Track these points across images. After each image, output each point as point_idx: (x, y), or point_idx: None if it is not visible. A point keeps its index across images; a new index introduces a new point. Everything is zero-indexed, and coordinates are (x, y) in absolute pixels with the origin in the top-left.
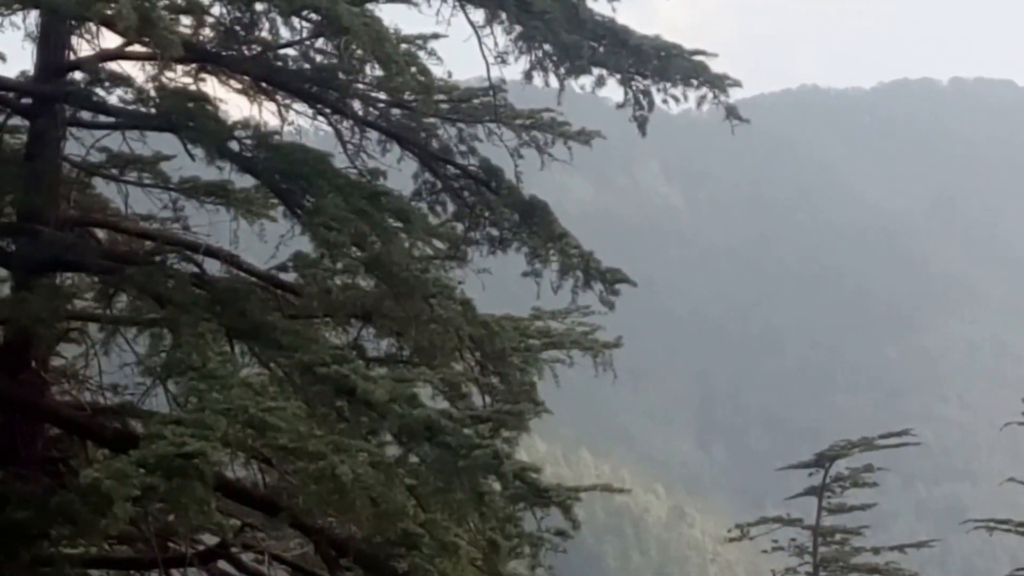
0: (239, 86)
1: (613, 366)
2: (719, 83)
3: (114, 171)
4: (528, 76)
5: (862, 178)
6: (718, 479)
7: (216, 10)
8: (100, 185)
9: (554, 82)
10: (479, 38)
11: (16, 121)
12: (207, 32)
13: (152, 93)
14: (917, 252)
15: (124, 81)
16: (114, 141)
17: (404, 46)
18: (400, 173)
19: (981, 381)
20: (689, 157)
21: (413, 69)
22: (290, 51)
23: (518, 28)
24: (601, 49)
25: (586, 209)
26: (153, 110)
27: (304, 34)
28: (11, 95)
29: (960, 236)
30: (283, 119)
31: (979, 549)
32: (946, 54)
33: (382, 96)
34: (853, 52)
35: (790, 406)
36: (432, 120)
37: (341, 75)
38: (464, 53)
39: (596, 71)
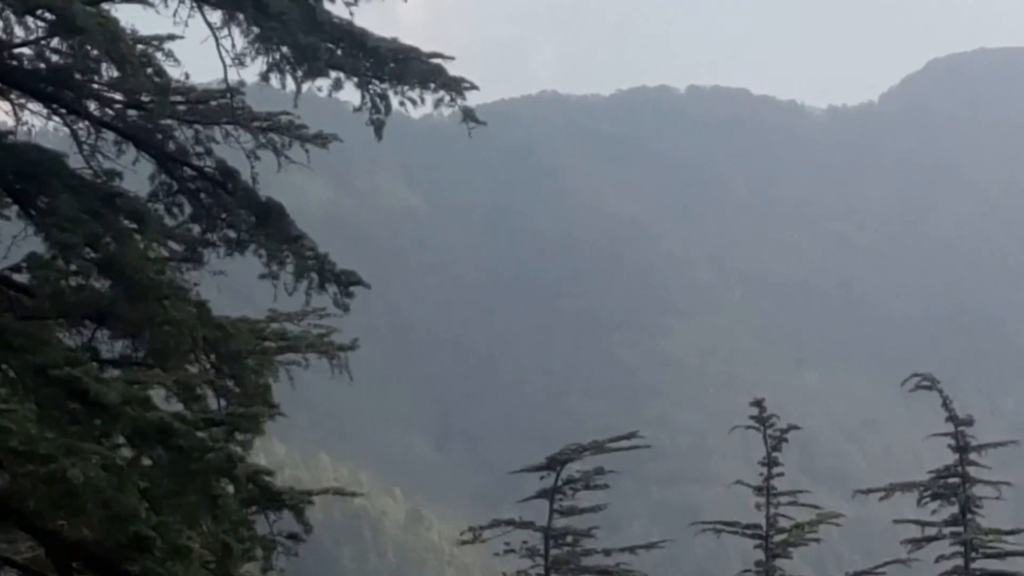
0: None
1: (349, 369)
2: (456, 86)
3: None
4: (265, 78)
5: (600, 185)
6: (456, 482)
7: None
8: None
9: (291, 84)
10: (217, 39)
11: None
12: None
13: None
14: (653, 258)
15: None
16: None
17: (140, 47)
18: (136, 174)
19: (714, 385)
20: (430, 162)
21: (149, 70)
22: (25, 50)
23: (255, 30)
24: (339, 52)
25: (327, 213)
26: None
27: (39, 33)
28: None
29: (696, 243)
30: (17, 119)
31: (712, 551)
32: (684, 62)
33: (118, 97)
34: (592, 59)
35: (528, 410)
36: (169, 121)
37: (77, 75)
38: (202, 55)
39: (334, 74)
